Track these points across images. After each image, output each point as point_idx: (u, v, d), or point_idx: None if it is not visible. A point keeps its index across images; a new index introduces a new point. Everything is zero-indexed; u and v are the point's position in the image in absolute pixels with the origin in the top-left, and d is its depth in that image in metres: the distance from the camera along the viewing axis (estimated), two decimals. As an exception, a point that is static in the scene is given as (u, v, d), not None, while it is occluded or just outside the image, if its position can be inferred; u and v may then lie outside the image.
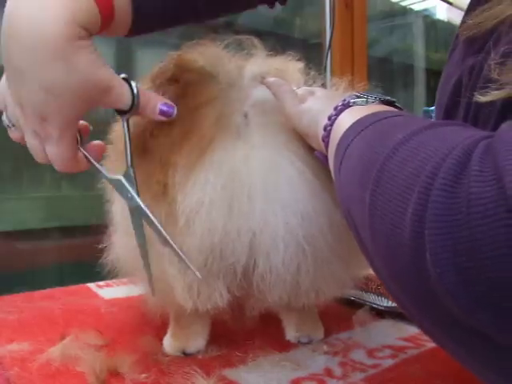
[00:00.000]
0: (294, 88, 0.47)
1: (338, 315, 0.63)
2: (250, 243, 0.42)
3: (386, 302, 0.66)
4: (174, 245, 0.41)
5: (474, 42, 0.39)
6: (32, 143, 0.41)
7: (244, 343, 0.53)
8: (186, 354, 0.50)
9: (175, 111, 0.43)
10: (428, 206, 0.23)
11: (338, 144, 0.36)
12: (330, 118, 0.39)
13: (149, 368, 0.46)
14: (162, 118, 0.42)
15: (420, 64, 2.26)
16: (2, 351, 0.50)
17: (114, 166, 0.51)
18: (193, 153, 0.42)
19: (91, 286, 0.79)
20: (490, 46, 0.37)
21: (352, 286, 0.54)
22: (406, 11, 2.24)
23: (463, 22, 0.41)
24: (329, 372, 0.47)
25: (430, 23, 2.34)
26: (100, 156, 0.45)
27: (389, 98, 0.40)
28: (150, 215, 0.41)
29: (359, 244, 0.32)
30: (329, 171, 0.39)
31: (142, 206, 0.41)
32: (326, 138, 0.39)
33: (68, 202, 1.07)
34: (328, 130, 0.39)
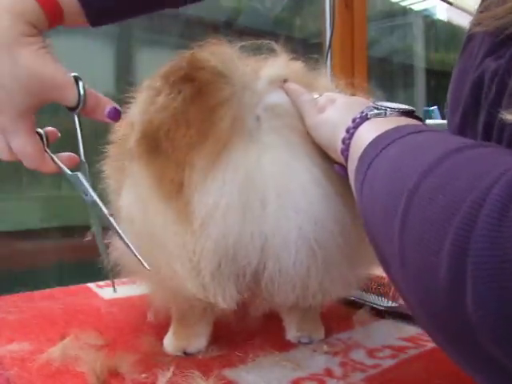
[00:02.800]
0: (316, 96, 0.46)
1: (338, 315, 0.63)
2: (262, 247, 0.42)
3: (386, 302, 0.66)
4: (124, 238, 0.43)
5: (495, 42, 0.38)
6: None
7: (244, 343, 0.53)
8: (186, 354, 0.50)
9: (121, 116, 0.45)
10: (471, 242, 0.20)
11: (359, 161, 0.35)
12: (348, 131, 0.38)
13: (149, 368, 0.46)
14: (109, 121, 0.45)
15: (420, 64, 2.26)
16: (2, 351, 0.50)
17: (113, 166, 0.51)
18: (210, 154, 0.42)
19: (91, 285, 0.79)
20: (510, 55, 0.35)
21: (357, 287, 0.54)
22: (406, 11, 2.24)
23: (479, 12, 0.40)
24: (329, 372, 0.47)
25: (430, 23, 2.34)
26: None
27: (407, 107, 0.38)
28: (104, 209, 0.44)
29: (385, 271, 0.30)
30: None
31: (97, 200, 0.44)
32: (345, 152, 0.38)
33: (68, 202, 1.07)
34: (347, 143, 0.38)
